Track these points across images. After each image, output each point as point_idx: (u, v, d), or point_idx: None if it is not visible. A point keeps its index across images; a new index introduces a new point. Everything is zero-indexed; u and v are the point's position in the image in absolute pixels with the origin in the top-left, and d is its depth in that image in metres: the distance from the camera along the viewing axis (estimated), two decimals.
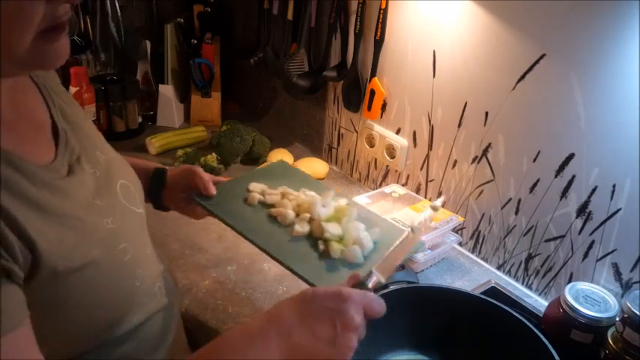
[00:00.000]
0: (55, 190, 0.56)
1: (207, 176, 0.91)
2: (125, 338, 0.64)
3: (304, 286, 1.11)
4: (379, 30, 1.25)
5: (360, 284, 0.62)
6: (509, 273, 1.16)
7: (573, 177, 0.99)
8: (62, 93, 0.69)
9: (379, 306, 0.57)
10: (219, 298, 1.02)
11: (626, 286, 0.96)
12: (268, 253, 0.82)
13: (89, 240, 0.57)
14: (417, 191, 1.32)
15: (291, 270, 0.79)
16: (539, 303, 1.08)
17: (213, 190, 0.90)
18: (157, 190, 0.92)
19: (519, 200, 1.09)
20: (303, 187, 0.98)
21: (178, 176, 0.92)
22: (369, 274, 0.63)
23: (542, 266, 1.09)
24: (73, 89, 1.47)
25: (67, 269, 0.53)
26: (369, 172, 1.48)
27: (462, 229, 1.23)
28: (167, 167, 0.94)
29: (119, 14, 1.64)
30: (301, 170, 1.11)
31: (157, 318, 0.71)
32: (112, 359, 0.63)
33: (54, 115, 0.64)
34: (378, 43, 1.27)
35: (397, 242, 0.71)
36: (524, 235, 1.10)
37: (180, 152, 1.48)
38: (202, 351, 0.57)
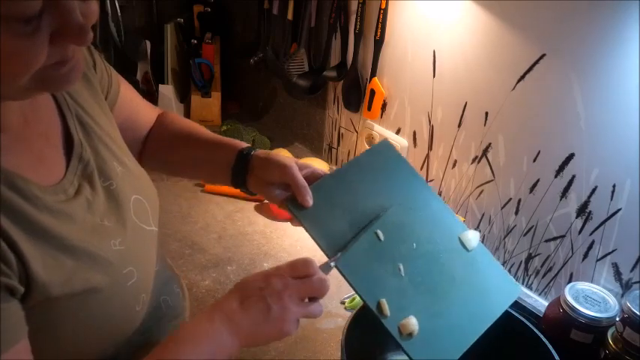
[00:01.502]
0: (59, 215, 0.55)
1: (302, 180, 0.73)
2: (122, 353, 0.64)
3: None
4: (379, 30, 1.25)
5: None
6: (509, 273, 1.16)
7: (573, 177, 0.99)
8: (83, 96, 0.66)
9: (319, 284, 0.64)
10: (219, 298, 1.02)
11: (626, 286, 0.96)
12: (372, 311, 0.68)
13: (92, 265, 0.56)
14: None
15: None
16: (539, 303, 1.08)
17: (309, 201, 0.72)
18: (240, 175, 0.79)
19: (519, 200, 1.09)
20: (408, 198, 0.79)
21: (269, 167, 0.76)
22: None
23: (542, 266, 1.09)
24: None
25: (64, 295, 0.53)
26: None
27: None
28: (255, 151, 0.79)
29: (119, 14, 1.64)
30: (409, 165, 0.85)
31: (159, 328, 0.70)
32: None
33: (70, 126, 0.62)
34: (378, 43, 1.27)
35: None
36: (524, 235, 1.10)
37: None
38: (158, 348, 0.59)
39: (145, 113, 0.85)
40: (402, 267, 0.71)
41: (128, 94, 0.79)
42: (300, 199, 0.72)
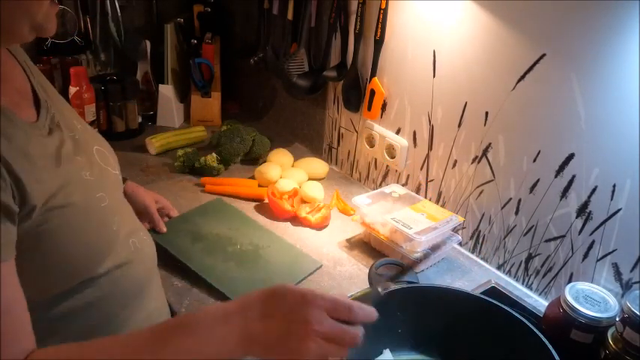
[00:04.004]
0: (39, 144, 0.66)
1: (157, 215, 1.14)
2: (98, 282, 0.73)
3: (303, 287, 1.11)
4: (379, 30, 1.25)
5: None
6: (509, 273, 1.16)
7: (573, 177, 0.99)
8: (36, 72, 0.78)
9: (361, 313, 0.58)
10: (219, 298, 1.02)
11: (626, 286, 0.96)
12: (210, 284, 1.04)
13: (70, 185, 0.67)
14: (417, 191, 1.32)
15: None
16: (539, 303, 1.08)
17: (163, 229, 1.14)
18: None
19: (519, 200, 1.09)
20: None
21: (134, 201, 1.07)
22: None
23: (542, 266, 1.09)
24: (72, 89, 1.47)
25: (52, 206, 0.63)
26: (369, 172, 1.48)
27: (462, 229, 1.23)
28: (126, 181, 1.10)
29: (119, 14, 1.64)
30: (233, 207, 1.31)
31: (131, 269, 0.78)
32: (84, 302, 0.72)
33: (35, 88, 0.73)
34: (378, 43, 1.27)
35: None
36: (524, 235, 1.10)
37: (180, 152, 1.48)
38: (171, 321, 0.66)
39: None
40: (227, 257, 1.12)
41: None
42: (158, 229, 1.14)
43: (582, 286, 0.93)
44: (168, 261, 1.08)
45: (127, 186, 1.09)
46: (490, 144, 1.12)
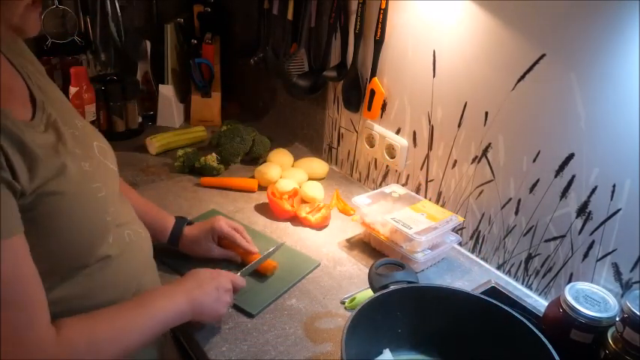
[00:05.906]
0: (35, 137, 0.67)
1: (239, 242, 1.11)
2: (90, 271, 0.75)
3: (304, 287, 1.11)
4: (379, 30, 1.25)
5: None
6: (509, 273, 1.16)
7: (573, 177, 0.99)
8: (38, 73, 0.80)
9: (241, 281, 0.95)
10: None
11: (626, 286, 0.96)
12: None
13: (66, 174, 0.69)
14: (417, 191, 1.32)
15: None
16: (539, 303, 1.08)
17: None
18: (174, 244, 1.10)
19: (519, 200, 1.09)
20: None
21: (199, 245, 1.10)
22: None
23: (542, 266, 1.09)
24: (73, 89, 1.47)
25: (44, 192, 0.65)
26: (369, 172, 1.48)
27: (462, 229, 1.23)
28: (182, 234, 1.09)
29: (119, 14, 1.65)
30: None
31: (124, 259, 0.81)
32: (78, 291, 0.74)
33: (33, 91, 0.75)
34: (378, 43, 1.27)
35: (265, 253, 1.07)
36: (524, 235, 1.10)
37: (180, 152, 1.48)
38: (146, 293, 0.82)
39: None
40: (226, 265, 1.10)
41: None
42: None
43: (582, 286, 0.93)
44: (171, 265, 1.08)
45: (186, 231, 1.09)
46: (490, 144, 1.12)
